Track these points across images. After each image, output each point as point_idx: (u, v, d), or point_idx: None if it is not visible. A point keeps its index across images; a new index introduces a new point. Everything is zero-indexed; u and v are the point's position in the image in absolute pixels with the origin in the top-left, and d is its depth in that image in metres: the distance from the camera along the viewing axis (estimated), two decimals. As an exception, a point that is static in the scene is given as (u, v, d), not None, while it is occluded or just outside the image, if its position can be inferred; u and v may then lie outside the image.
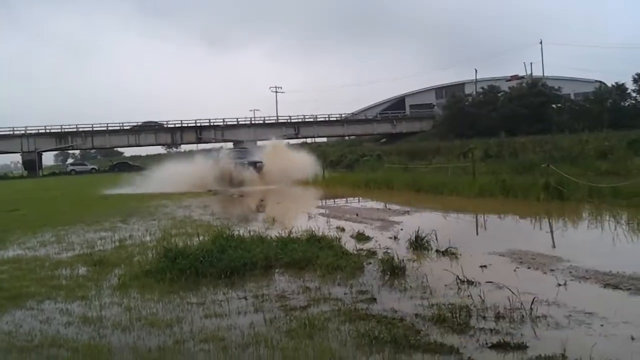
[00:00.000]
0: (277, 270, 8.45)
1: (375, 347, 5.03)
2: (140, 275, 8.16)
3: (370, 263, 8.53)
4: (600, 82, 75.35)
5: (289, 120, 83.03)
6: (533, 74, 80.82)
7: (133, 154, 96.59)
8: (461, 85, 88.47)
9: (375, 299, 6.67)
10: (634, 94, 64.50)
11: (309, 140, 79.51)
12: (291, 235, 10.22)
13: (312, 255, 8.79)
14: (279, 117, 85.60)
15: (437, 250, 9.29)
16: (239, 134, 78.11)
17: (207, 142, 78.03)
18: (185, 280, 7.84)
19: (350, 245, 9.83)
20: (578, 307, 6.03)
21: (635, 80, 63.84)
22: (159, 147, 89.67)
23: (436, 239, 9.70)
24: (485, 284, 7.09)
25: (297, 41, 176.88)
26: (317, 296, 6.90)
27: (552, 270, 7.83)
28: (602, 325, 5.48)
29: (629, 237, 10.20)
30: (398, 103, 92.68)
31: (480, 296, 6.46)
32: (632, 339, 5.02)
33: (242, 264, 8.32)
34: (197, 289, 7.50)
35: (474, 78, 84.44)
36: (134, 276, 8.18)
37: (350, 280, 7.64)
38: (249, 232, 10.80)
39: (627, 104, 64.09)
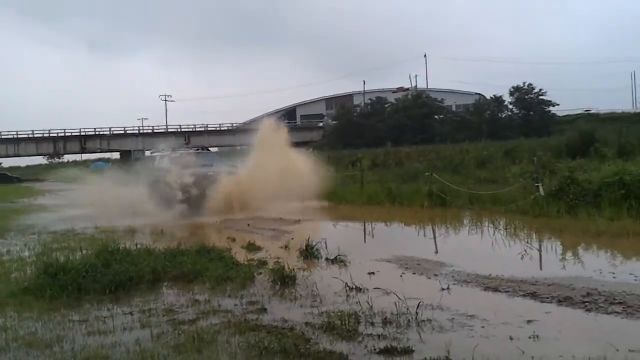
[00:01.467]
0: (165, 284, 8.20)
1: (265, 358, 4.98)
2: (18, 293, 7.67)
3: (261, 273, 8.47)
4: (480, 94, 79.35)
5: (179, 130, 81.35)
6: (418, 87, 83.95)
7: (12, 165, 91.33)
8: (350, 97, 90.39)
9: (265, 310, 6.63)
10: (510, 107, 68.44)
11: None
12: (180, 247, 9.99)
13: (202, 267, 8.62)
14: (169, 127, 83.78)
15: (327, 259, 9.38)
16: (127, 144, 75.72)
17: (92, 152, 74.75)
18: (67, 297, 7.43)
19: (241, 256, 9.74)
20: (461, 310, 6.26)
21: (511, 94, 67.74)
22: (41, 157, 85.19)
23: (326, 248, 9.81)
24: (373, 291, 7.23)
25: (188, 49, 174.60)
26: (206, 309, 6.76)
27: (436, 275, 8.12)
28: (483, 327, 5.72)
29: (506, 242, 10.77)
30: (290, 113, 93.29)
31: (368, 303, 6.58)
32: (511, 339, 5.27)
33: (128, 278, 8.01)
34: (80, 306, 7.13)
35: (363, 90, 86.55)
36: (11, 294, 7.68)
37: (241, 291, 7.56)
38: (136, 245, 10.45)
39: (504, 115, 67.88)
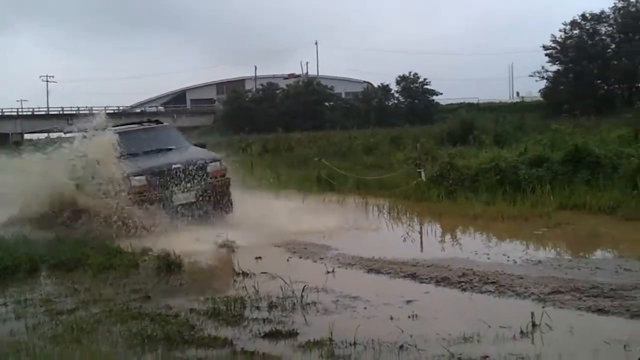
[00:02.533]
0: (43, 273, 7.86)
1: (147, 346, 4.90)
2: None
3: (145, 260, 8.29)
4: (368, 82, 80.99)
5: (61, 112, 77.25)
6: (309, 73, 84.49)
7: None
8: (242, 82, 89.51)
9: (149, 297, 6.52)
10: (397, 95, 70.41)
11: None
12: (59, 235, 9.58)
13: (82, 255, 8.32)
14: (50, 109, 79.38)
15: (215, 244, 9.31)
16: (4, 127, 71.11)
17: (-38, 136, 69.55)
18: None
19: (125, 243, 9.45)
20: (344, 292, 6.42)
21: (398, 82, 69.67)
22: None
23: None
24: (259, 275, 7.27)
25: (72, 29, 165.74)
26: (86, 298, 6.55)
27: (321, 258, 8.27)
28: (365, 308, 5.90)
29: (389, 225, 11.13)
30: (179, 97, 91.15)
31: (254, 287, 6.61)
32: (391, 318, 5.46)
33: (2, 267, 7.62)
34: (-53, 298, 6.70)
35: (254, 75, 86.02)
36: None
37: (124, 279, 7.37)
38: (11, 233, 9.90)
39: (390, 103, 69.73)
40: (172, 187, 11.11)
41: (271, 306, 5.98)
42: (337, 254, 8.44)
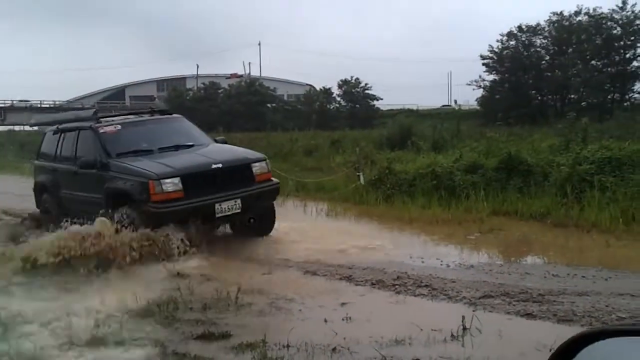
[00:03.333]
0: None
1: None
2: None
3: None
4: (310, 85, 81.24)
5: (-9, 105, 74.51)
6: (251, 74, 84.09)
7: None
8: (183, 80, 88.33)
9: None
10: (338, 99, 70.83)
11: (17, 127, 72.25)
12: None
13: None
14: (-25, 101, 76.34)
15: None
16: None
17: None
18: None
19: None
20: (280, 294, 6.43)
21: (339, 86, 70.09)
22: None
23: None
24: (195, 276, 7.20)
25: (8, 19, 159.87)
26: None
27: (258, 260, 8.24)
28: (300, 310, 5.92)
29: (328, 226, 11.17)
30: (118, 93, 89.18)
31: (189, 288, 6.54)
32: (325, 321, 5.49)
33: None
34: None
35: (196, 73, 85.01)
36: None
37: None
38: None
39: (332, 107, 70.08)
40: (214, 193, 8.56)
41: (205, 307, 5.95)
42: (273, 257, 8.43)
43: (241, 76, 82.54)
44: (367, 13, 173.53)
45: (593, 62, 48.23)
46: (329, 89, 70.96)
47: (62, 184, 10.40)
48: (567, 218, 10.05)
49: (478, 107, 53.57)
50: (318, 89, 74.21)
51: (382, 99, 70.08)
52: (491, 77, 52.24)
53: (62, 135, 10.66)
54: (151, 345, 4.89)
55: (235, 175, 8.91)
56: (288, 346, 4.81)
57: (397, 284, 6.80)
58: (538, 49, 51.26)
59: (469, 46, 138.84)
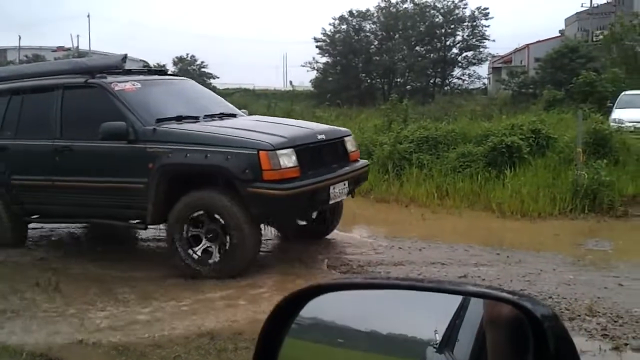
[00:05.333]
0: None
1: None
2: None
3: None
4: (144, 61, 77.99)
5: None
6: (80, 47, 79.34)
7: None
8: (3, 51, 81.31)
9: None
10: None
11: None
12: None
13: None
14: None
15: None
16: None
17: None
18: None
19: None
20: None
21: (174, 63, 68.28)
22: None
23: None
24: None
25: None
26: None
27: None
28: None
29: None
30: None
31: None
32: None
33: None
34: None
35: (18, 45, 78.61)
36: None
37: None
38: None
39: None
40: (324, 173, 6.60)
41: None
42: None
43: (69, 49, 77.64)
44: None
45: (417, 48, 51.20)
46: (164, 65, 68.82)
47: (18, 169, 7.27)
48: (389, 194, 10.63)
49: (312, 89, 54.89)
50: (152, 65, 71.84)
51: (218, 78, 69.35)
52: (324, 59, 53.61)
53: (20, 97, 7.45)
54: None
55: (336, 150, 7.10)
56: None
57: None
58: (367, 34, 53.34)
59: (304, 29, 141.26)
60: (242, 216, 5.94)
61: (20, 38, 79.80)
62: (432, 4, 50.55)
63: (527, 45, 47.88)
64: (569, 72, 29.26)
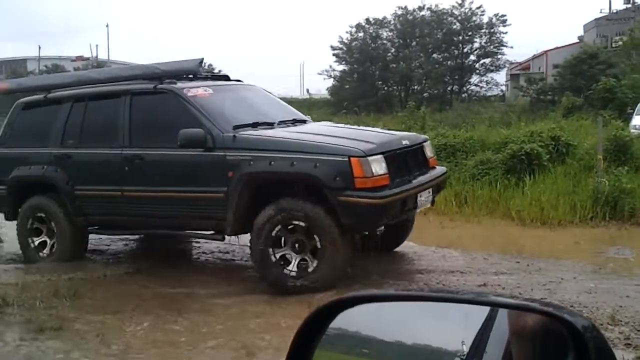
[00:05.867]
0: None
1: None
2: None
3: None
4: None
5: None
6: (99, 57, 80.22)
7: None
8: (23, 61, 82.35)
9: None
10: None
11: None
12: None
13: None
14: None
15: None
16: None
17: None
18: None
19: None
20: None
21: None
22: None
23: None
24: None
25: None
26: None
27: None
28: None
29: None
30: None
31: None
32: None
33: None
34: None
35: (38, 55, 79.66)
36: None
37: None
38: None
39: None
40: (410, 180, 6.35)
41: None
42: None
43: (88, 59, 78.48)
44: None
45: (435, 55, 51.00)
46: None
47: (82, 179, 7.04)
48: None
49: (329, 96, 54.91)
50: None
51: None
52: (341, 67, 53.60)
53: (83, 104, 7.26)
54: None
55: (417, 157, 6.77)
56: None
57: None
58: (384, 42, 53.26)
59: (322, 37, 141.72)
60: (334, 226, 5.71)
61: (40, 48, 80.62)
62: (449, 11, 50.36)
63: (546, 51, 47.52)
64: (588, 78, 29.02)
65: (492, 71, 51.27)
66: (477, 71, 51.34)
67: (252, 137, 6.26)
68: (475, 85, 51.74)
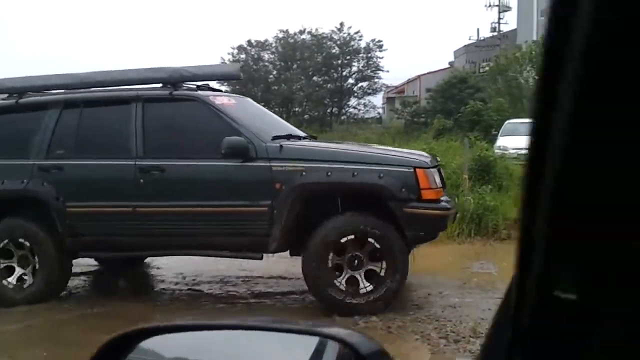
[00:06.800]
0: None
1: None
2: None
3: None
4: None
5: None
6: None
7: None
8: None
9: None
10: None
11: None
12: None
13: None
14: None
15: None
16: None
17: None
18: None
19: None
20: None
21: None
22: None
23: None
24: None
25: None
26: None
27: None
28: None
29: None
30: None
31: None
32: None
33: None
34: None
35: None
36: None
37: None
38: None
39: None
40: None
41: None
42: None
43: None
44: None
45: (315, 78, 52.00)
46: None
47: (77, 194, 6.07)
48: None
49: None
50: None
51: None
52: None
53: (79, 111, 6.34)
54: None
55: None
56: None
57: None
58: (266, 64, 53.66)
59: (203, 57, 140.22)
60: (397, 239, 5.51)
61: None
62: (329, 35, 51.56)
63: (419, 76, 49.67)
64: (458, 101, 30.60)
65: (369, 94, 53.03)
66: (356, 94, 52.88)
67: (303, 147, 6.05)
68: (354, 107, 53.24)
